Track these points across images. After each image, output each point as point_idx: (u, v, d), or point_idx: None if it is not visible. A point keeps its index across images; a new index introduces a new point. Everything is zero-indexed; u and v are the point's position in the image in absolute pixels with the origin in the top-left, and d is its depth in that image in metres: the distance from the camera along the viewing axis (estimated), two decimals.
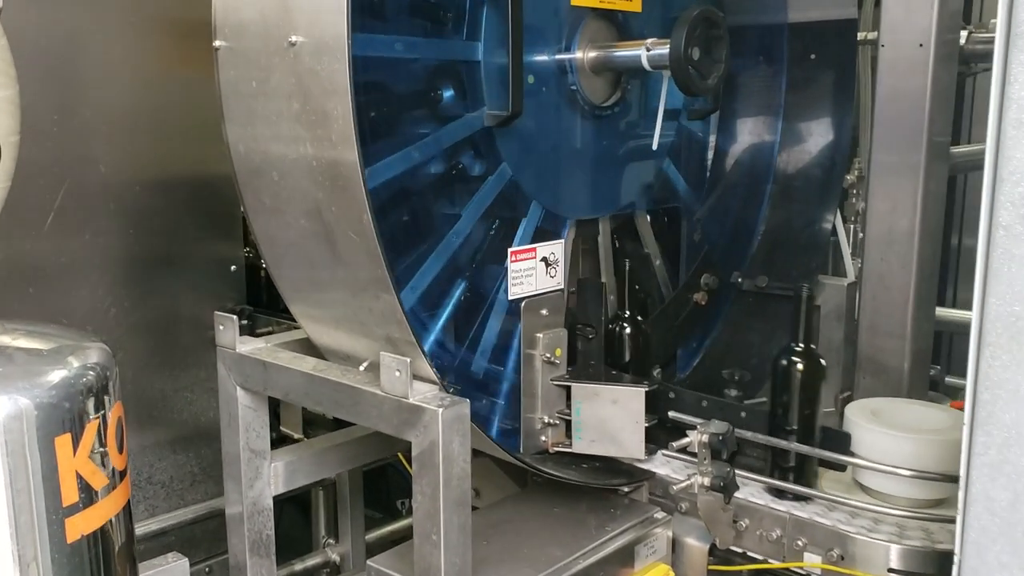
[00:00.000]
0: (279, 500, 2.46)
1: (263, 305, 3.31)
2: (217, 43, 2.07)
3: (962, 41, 2.85)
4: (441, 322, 2.32)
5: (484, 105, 2.29)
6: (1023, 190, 0.89)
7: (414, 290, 2.21)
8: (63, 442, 1.31)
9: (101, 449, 1.35)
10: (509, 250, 2.41)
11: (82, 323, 2.84)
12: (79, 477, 1.37)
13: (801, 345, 2.35)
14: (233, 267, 3.23)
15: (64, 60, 2.74)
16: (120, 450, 1.45)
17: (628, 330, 2.66)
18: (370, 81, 2.07)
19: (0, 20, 1.71)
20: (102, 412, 1.32)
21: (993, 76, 0.89)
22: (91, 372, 1.31)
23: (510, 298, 2.42)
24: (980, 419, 0.94)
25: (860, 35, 3.11)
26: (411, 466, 1.99)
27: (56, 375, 1.28)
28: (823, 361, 2.37)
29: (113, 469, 1.45)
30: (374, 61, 2.08)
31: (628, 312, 2.70)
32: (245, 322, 3.22)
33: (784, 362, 2.35)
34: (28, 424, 1.25)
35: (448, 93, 2.27)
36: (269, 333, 3.26)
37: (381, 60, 2.12)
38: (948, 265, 4.11)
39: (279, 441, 3.42)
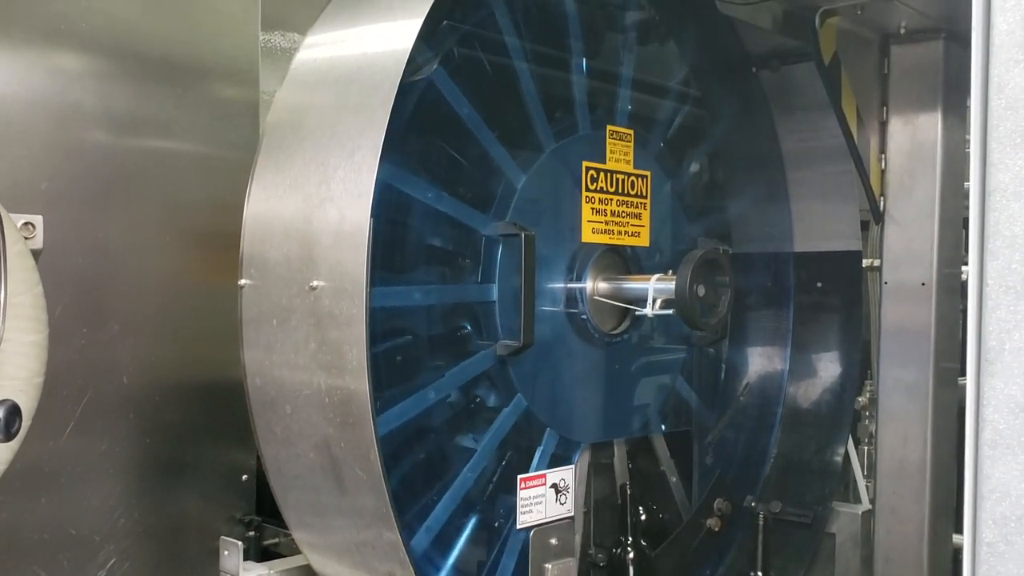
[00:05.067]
0: None
1: (273, 515, 3.28)
2: (242, 281, 2.17)
3: (964, 276, 2.94)
4: (450, 559, 2.30)
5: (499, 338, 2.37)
6: (1003, 510, 0.91)
7: (428, 531, 2.22)
8: None
9: None
10: (519, 477, 2.42)
11: (91, 534, 2.82)
12: None
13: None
14: (244, 476, 3.23)
15: (96, 275, 2.83)
16: None
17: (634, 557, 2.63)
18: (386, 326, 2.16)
19: (38, 265, 1.81)
20: None
21: (967, 401, 0.94)
22: None
23: (519, 527, 2.40)
24: None
25: (867, 261, 3.21)
26: None
27: None
28: None
29: None
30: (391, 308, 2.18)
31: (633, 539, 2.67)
32: (253, 533, 3.19)
33: None
34: None
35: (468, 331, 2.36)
36: (276, 544, 3.23)
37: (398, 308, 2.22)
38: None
39: None
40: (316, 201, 2.00)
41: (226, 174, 2.99)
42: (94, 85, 2.82)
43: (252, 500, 3.24)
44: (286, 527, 3.13)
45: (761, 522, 2.56)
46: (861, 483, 3.20)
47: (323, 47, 2.28)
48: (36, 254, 1.84)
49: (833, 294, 3.17)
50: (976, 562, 0.93)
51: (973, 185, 0.94)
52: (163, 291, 2.99)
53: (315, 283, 1.96)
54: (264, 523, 3.22)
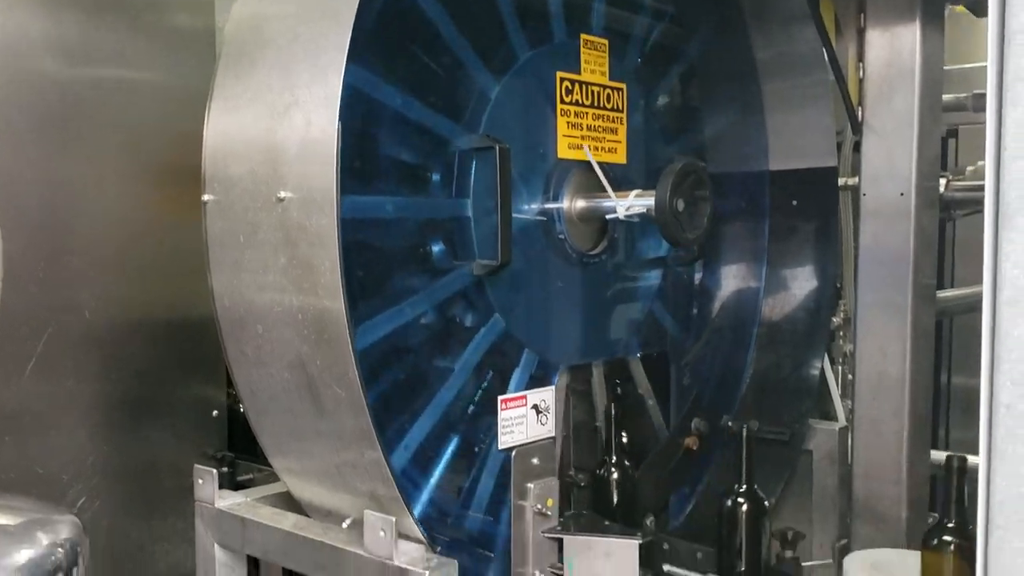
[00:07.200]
0: None
1: (246, 451, 3.23)
2: (206, 196, 2.08)
3: (941, 189, 2.91)
4: (431, 478, 2.25)
5: (475, 257, 2.30)
6: None
7: (407, 449, 2.16)
8: None
9: None
10: (499, 398, 2.38)
11: (59, 472, 2.77)
12: None
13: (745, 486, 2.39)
14: (215, 412, 3.17)
15: (54, 209, 2.74)
16: None
17: (617, 477, 2.60)
18: (358, 237, 2.08)
19: None
20: None
21: (985, 257, 0.89)
22: (60, 549, 1.25)
23: (500, 447, 2.37)
24: None
25: (841, 180, 3.18)
26: None
27: (23, 555, 1.22)
28: (767, 502, 2.43)
29: None
30: (362, 220, 2.09)
31: (617, 459, 2.65)
32: (226, 469, 3.14)
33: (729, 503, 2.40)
34: None
35: (438, 247, 2.28)
36: (251, 480, 3.18)
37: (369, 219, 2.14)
38: (938, 405, 4.09)
39: None
40: (280, 108, 1.90)
41: (185, 104, 2.88)
42: (42, 12, 2.70)
43: (224, 436, 3.19)
44: (260, 463, 3.10)
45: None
46: (837, 401, 3.20)
47: None
48: None
49: (809, 212, 3.14)
50: (993, 425, 0.89)
51: (991, 29, 0.88)
52: (125, 225, 2.91)
53: (282, 194, 1.88)
54: (237, 459, 3.18)
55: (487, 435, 2.37)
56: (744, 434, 2.41)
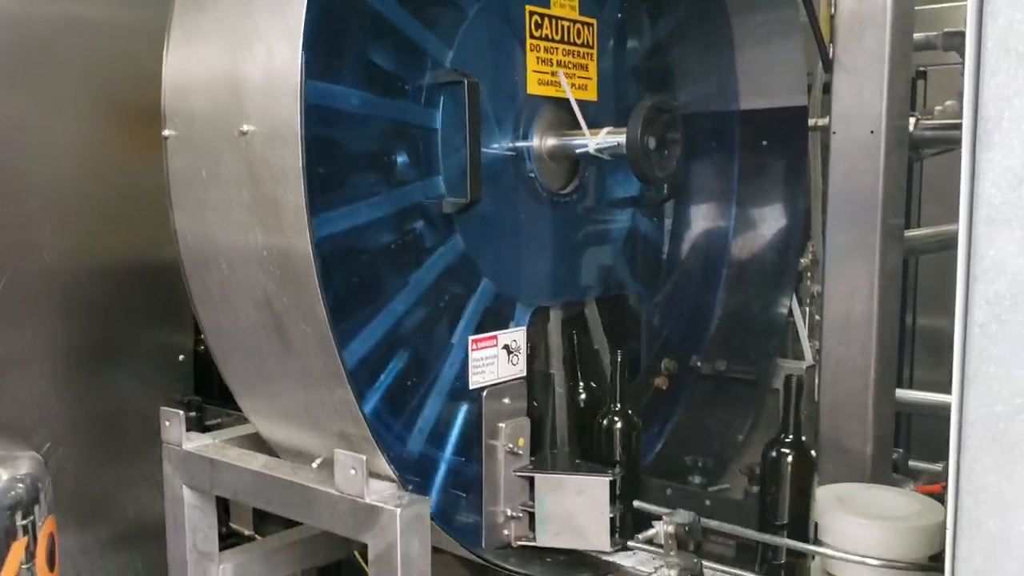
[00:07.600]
0: None
1: (213, 396, 3.20)
2: (167, 132, 2.03)
3: (910, 128, 2.90)
4: (375, 390, 2.22)
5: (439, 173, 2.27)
6: (998, 288, 0.87)
7: (353, 354, 2.12)
8: None
9: (27, 566, 1.25)
10: (470, 338, 2.36)
11: (21, 418, 2.72)
12: None
13: (791, 436, 2.32)
14: (181, 356, 3.13)
15: (7, 149, 2.67)
16: (51, 567, 1.35)
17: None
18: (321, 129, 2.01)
19: None
20: (31, 531, 1.23)
21: (962, 175, 0.88)
22: (20, 485, 1.23)
23: (471, 387, 2.35)
24: (963, 526, 0.90)
25: (810, 121, 3.17)
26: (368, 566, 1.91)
27: None
28: (813, 452, 2.34)
29: None
30: (326, 109, 2.02)
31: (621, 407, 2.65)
32: (194, 414, 3.11)
33: (774, 454, 2.30)
34: None
35: (402, 158, 2.25)
36: (219, 426, 3.16)
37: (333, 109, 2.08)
38: (903, 345, 4.14)
39: (228, 536, 3.27)
40: (242, 38, 1.85)
41: (144, 40, 2.80)
42: None
43: (190, 381, 3.16)
44: (228, 407, 3.07)
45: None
46: (805, 340, 3.23)
47: None
48: None
49: (779, 151, 3.13)
50: (967, 345, 0.89)
51: None
52: (84, 165, 2.84)
53: (245, 128, 1.83)
54: (205, 404, 3.15)
55: (438, 359, 2.34)
56: (793, 383, 2.32)
